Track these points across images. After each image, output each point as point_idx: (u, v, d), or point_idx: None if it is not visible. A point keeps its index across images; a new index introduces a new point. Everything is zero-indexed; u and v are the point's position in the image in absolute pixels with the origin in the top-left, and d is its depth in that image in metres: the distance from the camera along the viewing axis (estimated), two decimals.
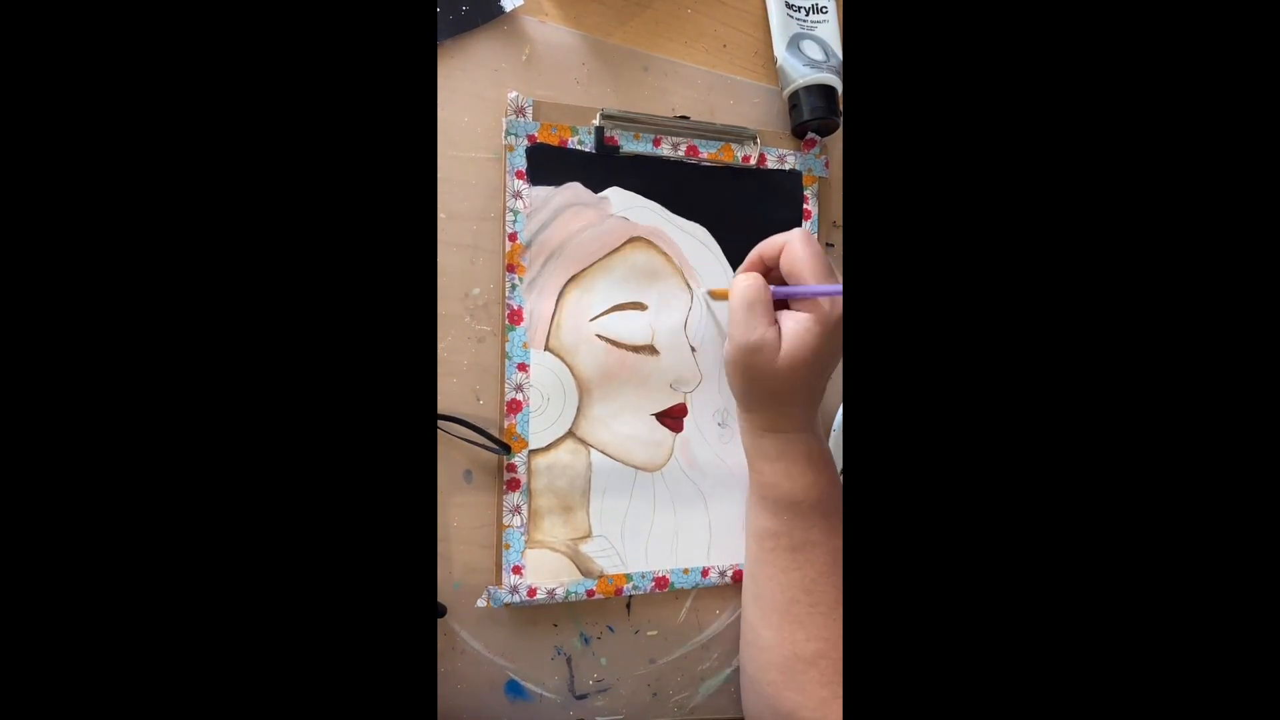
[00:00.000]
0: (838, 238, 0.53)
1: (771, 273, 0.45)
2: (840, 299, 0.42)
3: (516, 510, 0.45)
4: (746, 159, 0.49)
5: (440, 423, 0.43)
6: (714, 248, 0.49)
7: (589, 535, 0.46)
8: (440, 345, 0.44)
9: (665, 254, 0.48)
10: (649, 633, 0.49)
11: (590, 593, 0.46)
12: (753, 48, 0.52)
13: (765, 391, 0.44)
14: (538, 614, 0.46)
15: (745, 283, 0.43)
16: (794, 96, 0.50)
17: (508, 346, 0.45)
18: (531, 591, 0.45)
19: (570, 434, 0.46)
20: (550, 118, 0.45)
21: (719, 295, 0.48)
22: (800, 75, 0.50)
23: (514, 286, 0.45)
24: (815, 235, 0.52)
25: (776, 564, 0.45)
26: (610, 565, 0.47)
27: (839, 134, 0.52)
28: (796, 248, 0.43)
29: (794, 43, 0.51)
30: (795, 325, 0.42)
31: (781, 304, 0.44)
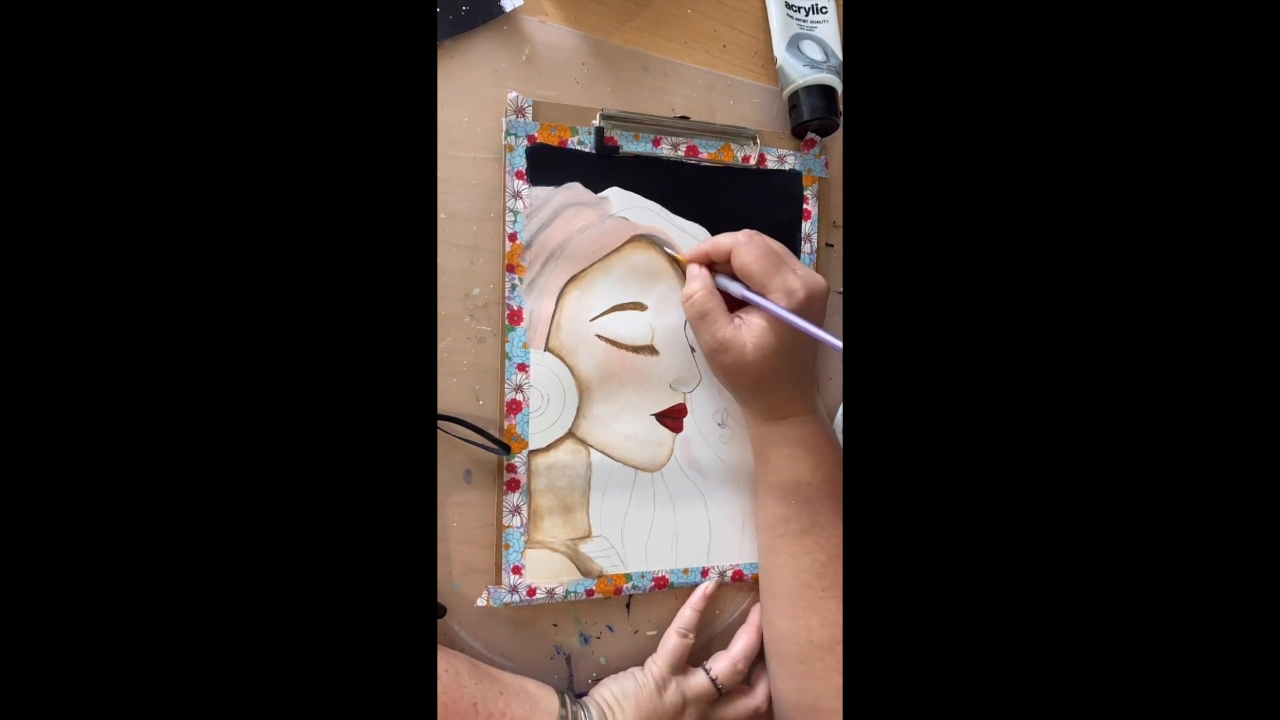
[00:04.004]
0: (838, 238, 0.53)
1: (718, 267, 0.46)
2: (797, 293, 0.42)
3: (516, 510, 0.45)
4: (746, 159, 0.49)
5: (440, 423, 0.43)
6: None
7: (589, 535, 0.46)
8: (440, 345, 0.44)
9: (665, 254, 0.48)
10: (648, 633, 0.49)
11: (590, 592, 0.46)
12: (753, 48, 0.52)
13: (750, 384, 0.45)
14: (537, 614, 0.46)
15: (693, 296, 0.44)
16: (794, 97, 0.50)
17: (508, 347, 0.45)
18: (531, 591, 0.45)
19: (570, 434, 0.46)
20: (550, 118, 0.45)
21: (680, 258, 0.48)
22: (800, 75, 0.50)
23: (514, 287, 0.45)
24: (821, 236, 0.52)
25: (786, 550, 0.45)
26: (610, 565, 0.47)
27: (839, 134, 0.52)
28: (744, 253, 0.43)
29: (794, 43, 0.51)
30: (759, 319, 0.43)
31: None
